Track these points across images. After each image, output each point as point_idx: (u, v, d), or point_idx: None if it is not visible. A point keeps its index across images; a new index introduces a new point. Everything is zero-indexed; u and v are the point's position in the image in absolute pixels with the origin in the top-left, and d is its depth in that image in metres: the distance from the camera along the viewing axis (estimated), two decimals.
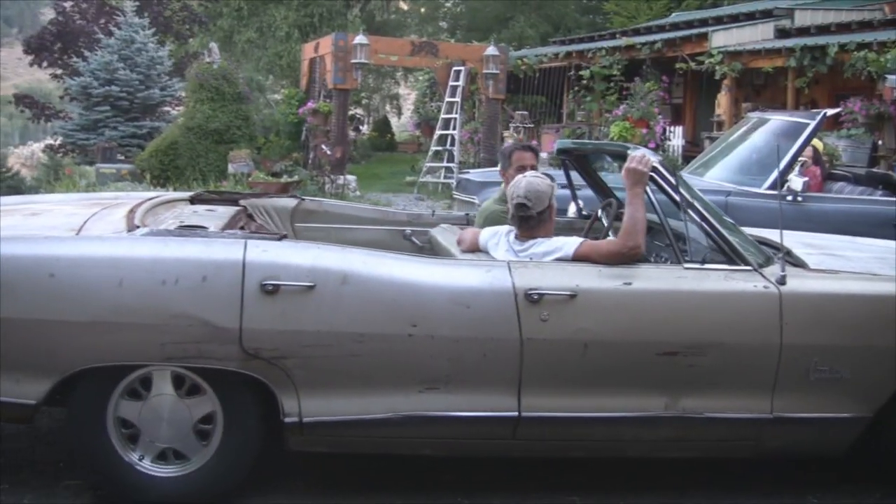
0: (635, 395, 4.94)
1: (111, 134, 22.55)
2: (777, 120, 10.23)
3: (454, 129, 21.19)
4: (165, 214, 5.81)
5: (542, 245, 5.16)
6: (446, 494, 5.21)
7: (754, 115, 11.40)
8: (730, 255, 5.10)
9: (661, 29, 24.81)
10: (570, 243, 5.10)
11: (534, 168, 6.34)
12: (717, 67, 20.35)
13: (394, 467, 5.49)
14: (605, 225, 6.11)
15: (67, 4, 31.80)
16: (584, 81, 22.92)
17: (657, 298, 4.92)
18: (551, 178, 5.44)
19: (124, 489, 4.83)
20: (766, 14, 22.33)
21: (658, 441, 5.13)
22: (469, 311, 4.72)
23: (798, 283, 5.05)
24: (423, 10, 47.62)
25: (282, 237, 5.09)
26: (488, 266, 4.95)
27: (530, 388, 4.83)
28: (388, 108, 46.79)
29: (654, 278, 4.98)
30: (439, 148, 21.38)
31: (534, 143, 19.85)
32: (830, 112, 11.63)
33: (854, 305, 5.11)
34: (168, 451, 4.83)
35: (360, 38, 20.14)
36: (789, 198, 8.99)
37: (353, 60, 20.04)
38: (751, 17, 22.39)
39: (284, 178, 17.63)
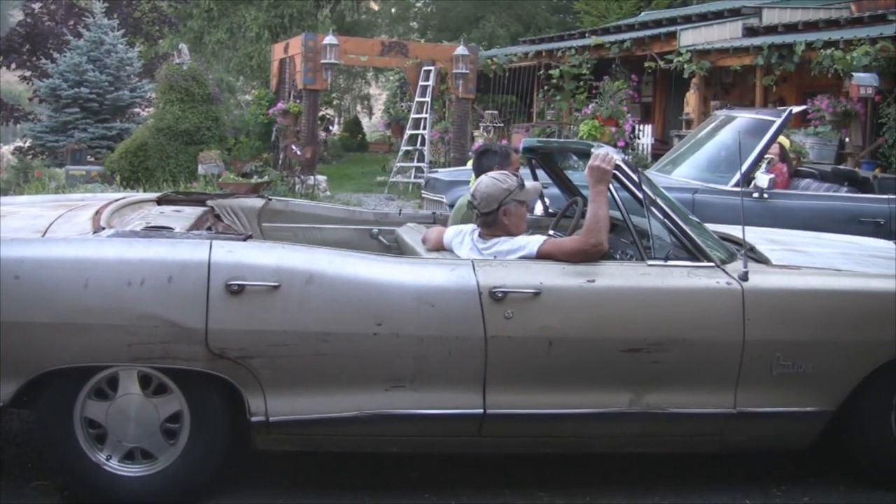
0: (600, 392, 4.98)
1: (81, 136, 22.47)
2: (744, 118, 10.28)
3: (424, 128, 21.23)
4: (132, 216, 5.81)
5: (505, 244, 5.20)
6: (414, 492, 5.23)
7: (721, 113, 11.48)
8: (692, 252, 5.15)
9: (631, 28, 24.86)
10: (534, 241, 5.13)
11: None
12: (686, 66, 20.40)
13: (362, 465, 5.52)
14: (572, 223, 6.13)
15: (36, 6, 31.63)
16: (554, 80, 22.95)
17: (620, 295, 4.96)
18: (520, 179, 5.46)
19: (92, 490, 4.82)
20: (735, 13, 22.42)
21: (624, 437, 5.17)
22: (434, 310, 4.75)
23: (760, 278, 5.11)
24: (393, 10, 47.64)
25: (247, 237, 5.09)
26: (453, 265, 4.98)
27: (495, 386, 4.86)
28: (358, 108, 46.80)
29: (617, 275, 5.01)
30: (410, 148, 21.42)
31: (504, 142, 19.87)
32: (797, 109, 11.67)
33: (816, 301, 5.15)
34: (136, 450, 4.84)
35: (329, 39, 20.14)
36: (756, 195, 9.05)
37: (323, 61, 20.05)
38: (719, 15, 22.46)
39: (255, 179, 17.60)
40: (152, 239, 4.81)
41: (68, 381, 4.70)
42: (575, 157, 6.44)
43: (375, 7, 48.18)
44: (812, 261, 5.59)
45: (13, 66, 31.15)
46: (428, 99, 21.30)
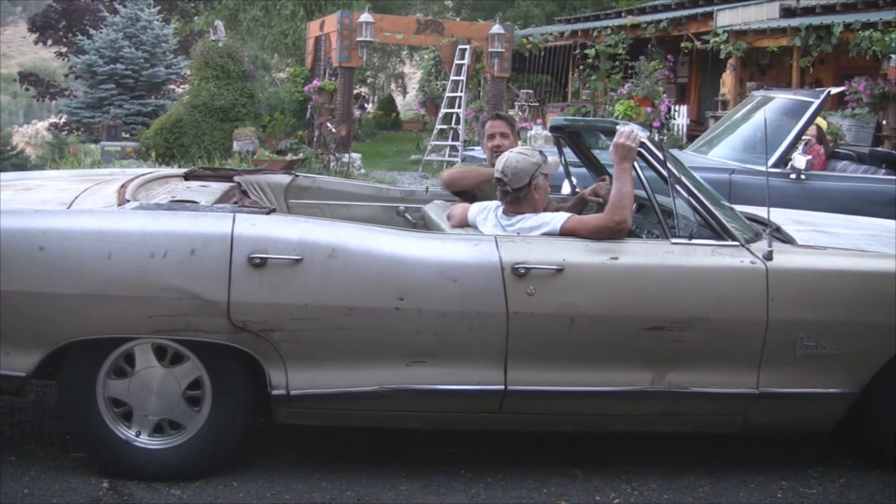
0: (622, 370, 4.98)
1: (116, 112, 22.62)
2: (781, 98, 10.21)
3: (459, 107, 21.17)
4: (158, 190, 5.84)
5: (529, 220, 5.18)
6: (450, 469, 5.23)
7: (758, 94, 11.39)
8: (717, 231, 5.12)
9: (667, 8, 24.74)
10: (558, 218, 5.12)
11: (504, 136, 6.45)
12: (723, 47, 20.28)
13: (397, 442, 5.54)
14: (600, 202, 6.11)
15: None
16: (589, 60, 22.88)
17: (643, 273, 4.95)
18: (542, 154, 5.43)
19: (124, 465, 4.88)
20: None
21: (646, 415, 5.17)
22: (456, 285, 4.76)
23: (785, 258, 5.07)
24: None
25: (270, 211, 5.11)
26: (475, 240, 4.99)
27: (516, 362, 4.87)
28: (392, 86, 46.71)
29: (640, 253, 4.99)
30: (444, 126, 21.37)
31: (539, 122, 19.81)
32: (835, 91, 11.58)
33: (841, 281, 5.12)
34: (163, 422, 4.89)
35: (365, 17, 20.11)
36: (792, 176, 8.99)
37: (359, 38, 20.00)
38: None
39: (289, 156, 17.63)
40: (176, 212, 4.85)
41: (88, 356, 4.75)
42: (603, 137, 6.42)
43: None
44: (838, 242, 5.55)
45: (49, 42, 31.38)
46: (463, 77, 21.23)
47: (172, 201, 5.28)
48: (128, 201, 5.07)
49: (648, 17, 23.10)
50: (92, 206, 5.03)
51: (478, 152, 10.64)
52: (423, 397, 4.87)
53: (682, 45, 21.53)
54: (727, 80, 20.67)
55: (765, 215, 5.41)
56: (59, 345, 4.65)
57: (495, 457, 5.45)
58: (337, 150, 18.39)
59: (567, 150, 6.82)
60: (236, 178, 6.57)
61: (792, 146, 9.23)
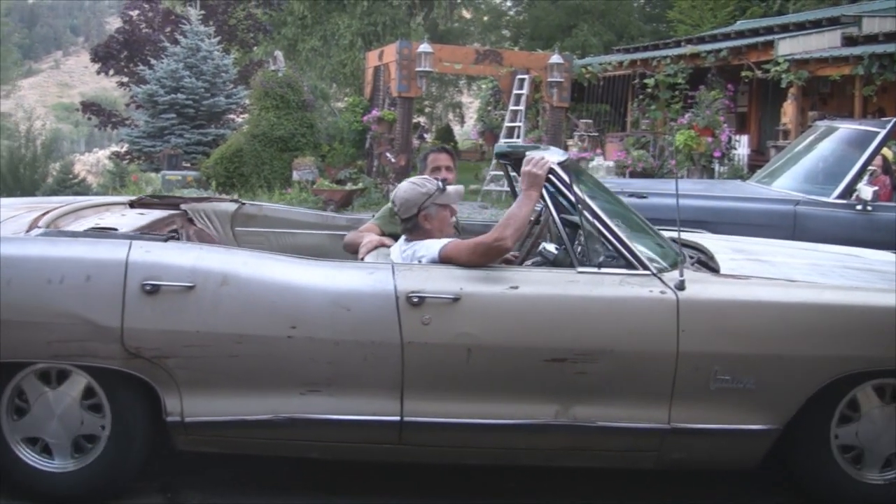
0: (524, 402, 4.83)
1: (176, 141, 22.85)
2: (846, 128, 10.11)
3: (518, 137, 21.14)
4: (91, 217, 5.91)
5: (415, 246, 5.14)
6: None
7: (822, 124, 11.29)
8: (628, 259, 4.96)
9: (727, 37, 24.65)
10: (437, 244, 5.05)
11: (448, 169, 6.39)
12: (784, 76, 20.16)
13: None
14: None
15: (134, 13, 32.25)
16: (649, 90, 22.82)
17: (544, 303, 4.82)
18: (439, 184, 5.36)
19: (24, 488, 4.97)
20: (833, 21, 22.12)
21: (552, 450, 5.00)
22: (349, 314, 4.73)
23: (699, 288, 4.89)
24: (485, 18, 47.76)
25: (168, 238, 5.18)
26: (371, 269, 4.94)
27: (413, 393, 4.79)
28: (450, 116, 46.91)
29: (543, 282, 4.87)
30: None
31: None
32: None
33: (760, 312, 4.86)
34: (57, 445, 4.94)
35: (424, 47, 20.16)
36: (858, 207, 8.88)
37: (418, 68, 20.05)
38: (817, 24, 22.18)
39: (349, 186, 17.71)
40: (75, 239, 4.95)
41: None
42: None
43: (468, 15, 48.38)
44: (771, 271, 5.33)
45: (111, 72, 31.75)
46: (522, 107, 21.23)
47: (93, 228, 5.38)
48: (38, 228, 5.15)
49: (708, 47, 23.02)
50: (5, 234, 5.09)
51: None
52: (318, 427, 4.82)
53: (743, 74, 21.42)
54: (788, 110, 20.54)
55: (705, 242, 5.25)
56: None
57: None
58: (396, 180, 18.42)
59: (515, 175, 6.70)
60: (183, 206, 6.67)
61: (858, 177, 9.11)
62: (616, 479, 5.51)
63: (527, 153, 5.21)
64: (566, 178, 5.10)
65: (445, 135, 34.66)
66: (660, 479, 5.40)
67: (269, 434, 4.84)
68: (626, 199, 6.55)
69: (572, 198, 5.08)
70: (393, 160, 19.98)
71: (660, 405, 4.85)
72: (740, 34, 24.56)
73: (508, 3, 48.20)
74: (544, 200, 5.12)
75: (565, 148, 21.91)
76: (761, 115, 24.70)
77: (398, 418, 4.80)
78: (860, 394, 5.01)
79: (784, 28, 22.85)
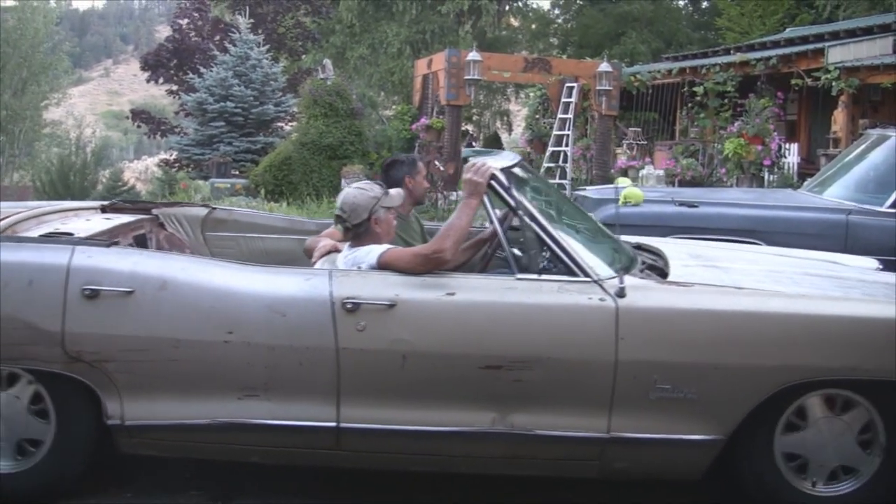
0: (460, 410, 4.84)
1: (225, 149, 23.01)
2: None
3: (567, 145, 21.11)
4: (54, 222, 6.00)
5: (356, 253, 5.15)
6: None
7: (874, 132, 11.22)
8: (568, 266, 4.91)
9: (776, 44, 24.51)
10: (377, 250, 5.06)
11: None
12: (834, 83, 20.01)
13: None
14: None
15: (183, 22, 32.52)
16: (698, 98, 22.70)
17: (480, 310, 4.82)
18: (382, 187, 5.42)
19: None
20: (885, 28, 21.92)
21: (490, 458, 4.97)
22: (285, 319, 4.78)
23: (640, 295, 4.83)
24: (533, 26, 47.72)
25: (111, 244, 5.25)
26: (308, 275, 4.99)
27: (349, 399, 4.82)
28: (498, 124, 46.90)
29: (479, 289, 4.88)
30: (552, 164, 21.32)
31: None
32: None
33: (702, 321, 4.80)
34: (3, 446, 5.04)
35: (472, 55, 20.18)
36: None
37: (466, 77, 20.06)
38: (868, 31, 21.99)
39: None
40: (19, 244, 5.03)
41: None
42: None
43: (515, 23, 48.35)
44: (719, 278, 5.28)
45: (160, 80, 32.05)
46: (570, 115, 21.18)
47: (42, 235, 5.47)
48: None
49: (757, 54, 22.86)
50: None
51: (590, 192, 10.59)
52: (257, 432, 4.87)
53: (793, 82, 21.28)
54: (838, 118, 20.38)
55: (669, 247, 5.23)
56: None
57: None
58: (445, 188, 18.47)
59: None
60: (154, 211, 6.79)
61: None
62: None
63: (469, 159, 5.24)
64: (506, 183, 5.08)
65: (493, 143, 34.61)
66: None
67: (209, 438, 4.93)
68: (676, 209, 6.55)
69: (513, 203, 5.06)
70: (441, 168, 20.01)
71: (599, 414, 4.81)
72: (790, 41, 24.40)
73: (556, 11, 48.14)
74: (485, 207, 5.12)
75: (614, 156, 21.88)
76: (811, 124, 24.51)
77: (335, 424, 4.84)
78: (808, 402, 4.94)
79: (834, 35, 22.68)
